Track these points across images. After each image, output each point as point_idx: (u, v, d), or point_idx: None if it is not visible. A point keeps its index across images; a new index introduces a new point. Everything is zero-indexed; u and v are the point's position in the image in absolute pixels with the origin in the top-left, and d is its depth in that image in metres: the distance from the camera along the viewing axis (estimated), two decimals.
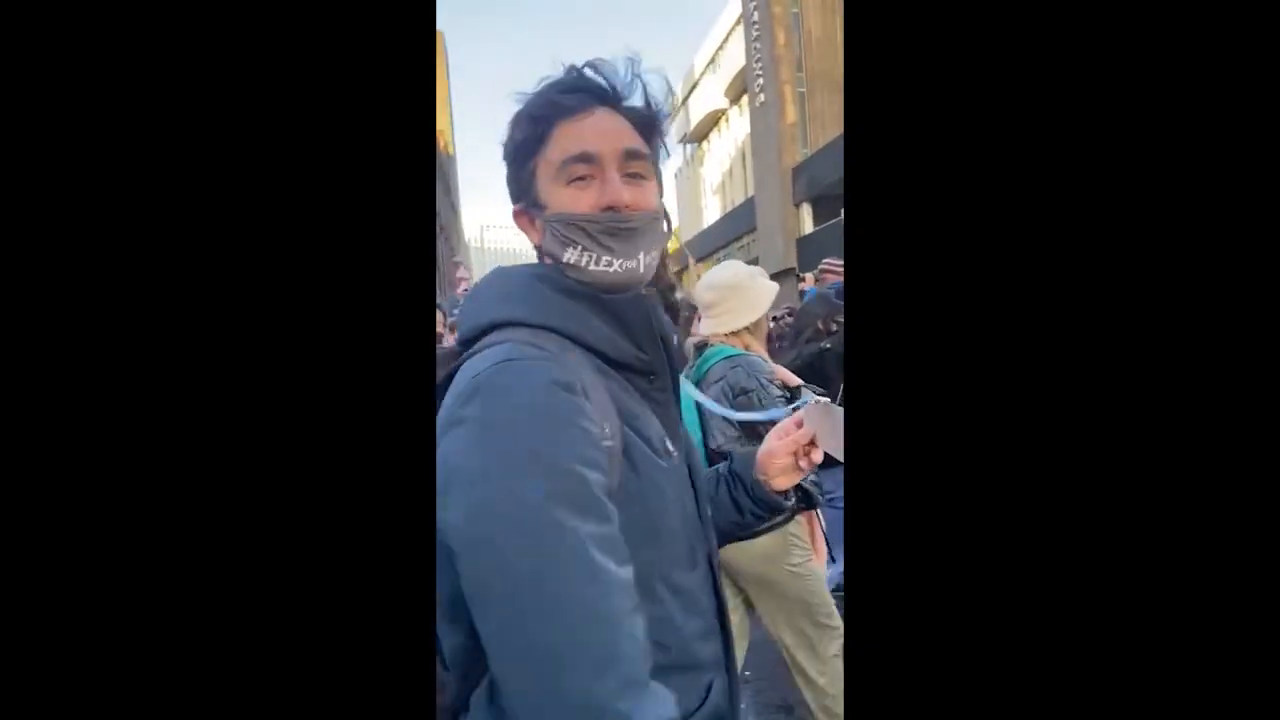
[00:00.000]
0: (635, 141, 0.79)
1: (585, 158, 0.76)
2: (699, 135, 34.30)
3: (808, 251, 17.69)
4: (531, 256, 0.85)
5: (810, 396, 0.83)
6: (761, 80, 21.56)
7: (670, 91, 0.83)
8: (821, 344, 2.94)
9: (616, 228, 0.76)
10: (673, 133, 0.91)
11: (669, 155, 0.86)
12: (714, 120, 31.51)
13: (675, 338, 0.79)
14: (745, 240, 24.82)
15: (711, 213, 31.82)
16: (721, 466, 1.00)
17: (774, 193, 21.26)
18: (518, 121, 0.79)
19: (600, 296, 0.75)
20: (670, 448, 0.76)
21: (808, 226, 20.24)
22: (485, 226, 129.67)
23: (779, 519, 2.04)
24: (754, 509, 0.97)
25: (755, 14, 21.58)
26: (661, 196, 0.83)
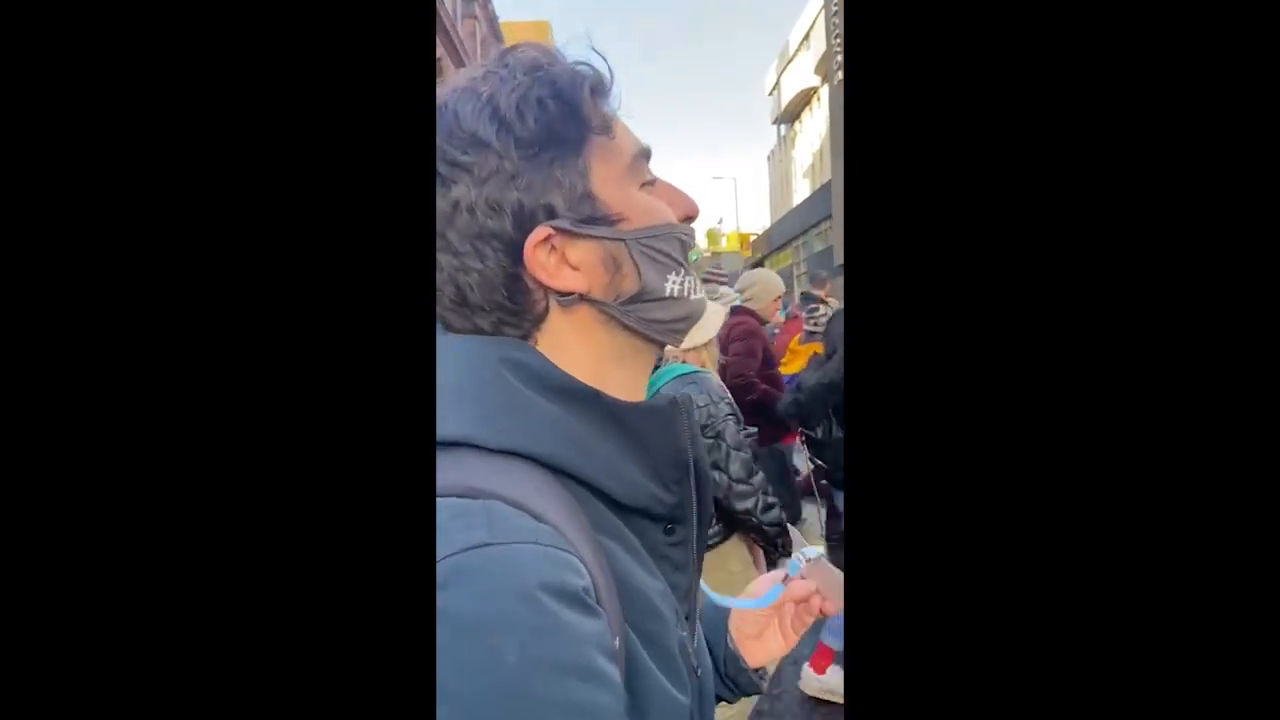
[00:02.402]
0: None
1: (649, 155, 0.55)
2: (791, 115, 32.89)
3: None
4: None
5: (803, 555, 0.67)
6: (840, 57, 20.25)
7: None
8: None
9: (694, 241, 0.57)
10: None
11: None
12: (805, 99, 30.08)
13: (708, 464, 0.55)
14: (823, 227, 23.58)
15: (802, 196, 30.49)
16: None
17: None
18: (557, 84, 0.50)
19: (604, 401, 0.49)
20: (694, 661, 0.51)
21: None
22: None
23: None
24: (721, 691, 0.69)
25: None
26: None
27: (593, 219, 0.50)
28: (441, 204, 0.49)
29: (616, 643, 0.42)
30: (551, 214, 0.49)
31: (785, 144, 34.64)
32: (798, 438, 3.26)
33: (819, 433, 2.89)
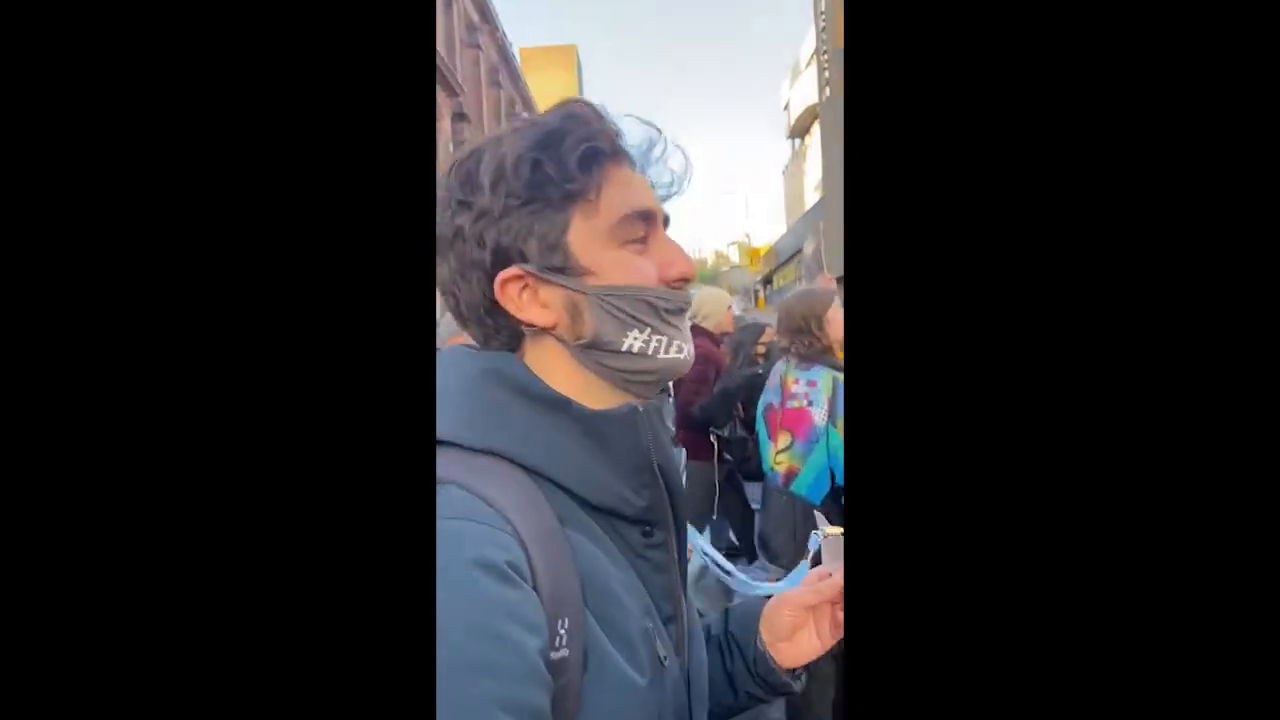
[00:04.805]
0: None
1: (647, 215, 0.59)
2: (802, 129, 33.03)
3: None
4: None
5: (821, 531, 0.74)
6: (828, 73, 20.39)
7: (688, 168, 0.64)
8: (756, 368, 3.23)
9: (685, 304, 0.60)
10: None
11: None
12: (814, 113, 30.17)
13: (680, 471, 0.61)
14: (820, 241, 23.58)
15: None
16: (714, 622, 0.75)
17: (839, 191, 20.07)
18: (551, 148, 0.55)
19: (574, 409, 0.56)
20: (661, 651, 0.55)
21: None
22: None
23: None
24: (753, 690, 0.71)
25: (822, 2, 20.43)
26: None
27: (560, 268, 0.56)
28: (447, 230, 0.58)
29: (566, 623, 0.47)
30: (524, 258, 0.56)
31: (798, 158, 34.75)
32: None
33: (726, 431, 3.30)
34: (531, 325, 0.57)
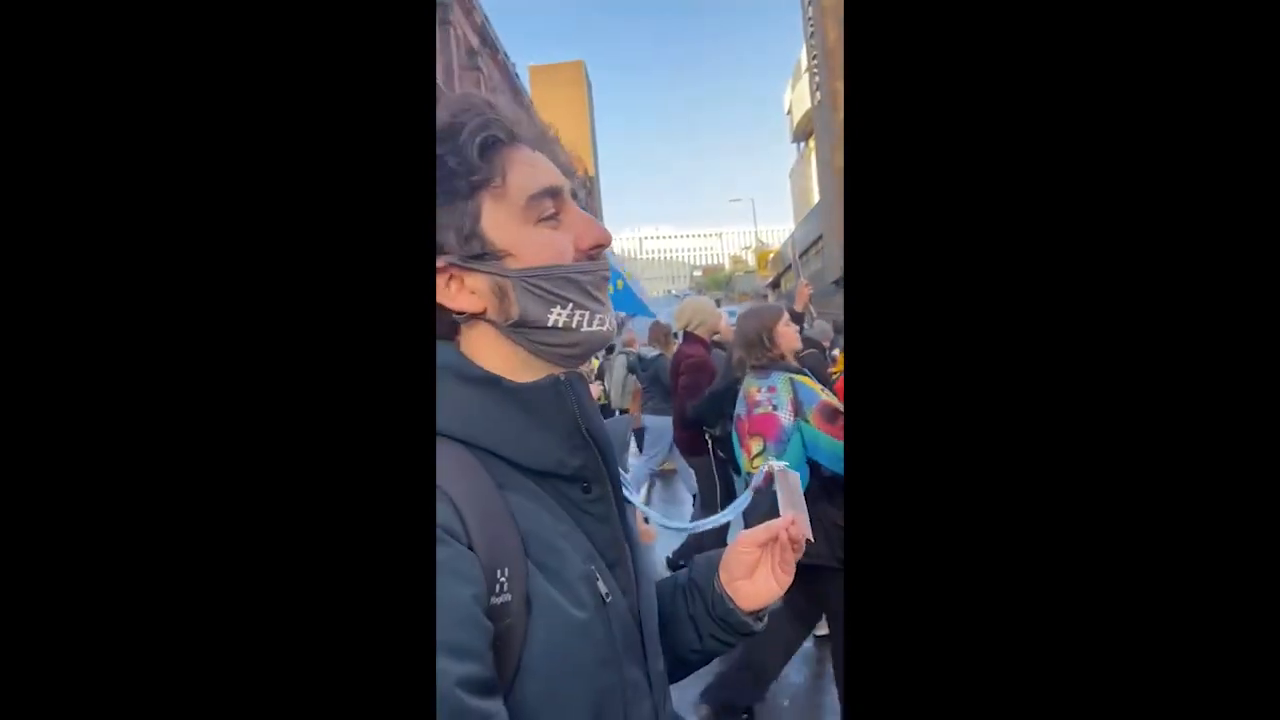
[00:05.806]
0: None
1: (555, 192, 0.61)
2: (803, 134, 33.14)
3: None
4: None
5: (768, 467, 0.76)
6: (818, 77, 20.54)
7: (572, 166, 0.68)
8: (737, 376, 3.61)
9: (605, 275, 0.63)
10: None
11: None
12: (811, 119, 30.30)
13: (607, 432, 0.63)
14: (821, 244, 23.68)
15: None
16: (681, 574, 0.79)
17: (834, 195, 20.15)
18: (449, 142, 0.58)
19: (504, 385, 0.59)
20: (601, 588, 0.59)
21: None
22: (643, 238, 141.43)
23: None
24: (715, 633, 0.74)
25: (810, 8, 20.61)
26: None
27: (480, 255, 0.58)
28: None
29: (507, 571, 0.52)
30: (444, 250, 0.58)
31: (803, 161, 34.84)
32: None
33: (718, 430, 3.50)
34: (463, 313, 0.60)
